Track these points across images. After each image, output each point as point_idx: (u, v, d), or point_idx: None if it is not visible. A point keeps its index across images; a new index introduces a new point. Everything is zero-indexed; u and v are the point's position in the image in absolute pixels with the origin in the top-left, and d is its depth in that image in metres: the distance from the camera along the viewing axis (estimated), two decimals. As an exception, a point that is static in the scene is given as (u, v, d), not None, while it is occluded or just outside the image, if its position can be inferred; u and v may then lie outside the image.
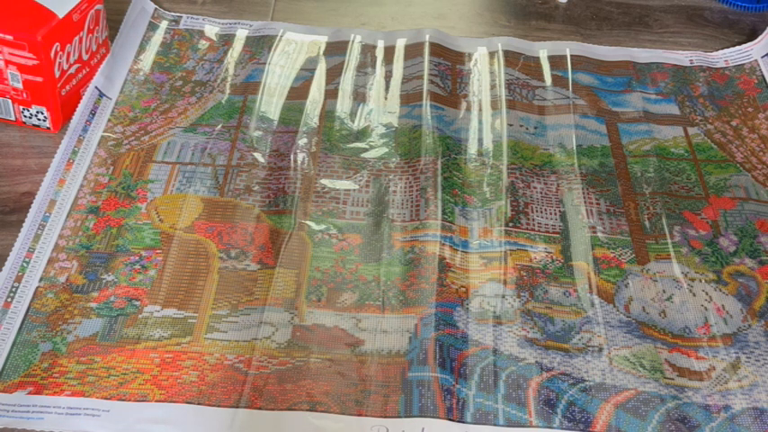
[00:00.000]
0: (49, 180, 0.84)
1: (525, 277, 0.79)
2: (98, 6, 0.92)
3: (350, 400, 0.69)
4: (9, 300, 0.74)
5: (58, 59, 0.87)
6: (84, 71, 0.92)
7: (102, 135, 0.90)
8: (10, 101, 0.89)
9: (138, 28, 1.03)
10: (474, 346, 0.73)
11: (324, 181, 0.87)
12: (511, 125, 0.95)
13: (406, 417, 0.68)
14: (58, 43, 0.86)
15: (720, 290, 0.79)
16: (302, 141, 0.91)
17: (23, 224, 0.80)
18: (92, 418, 0.66)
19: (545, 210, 0.86)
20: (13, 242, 0.78)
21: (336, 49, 1.04)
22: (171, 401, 0.68)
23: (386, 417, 0.68)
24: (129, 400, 0.68)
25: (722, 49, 1.08)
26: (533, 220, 0.85)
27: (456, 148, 0.91)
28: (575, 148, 0.93)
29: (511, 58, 1.04)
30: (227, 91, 0.97)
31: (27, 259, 0.77)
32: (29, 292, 0.75)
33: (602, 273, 0.80)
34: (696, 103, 1.00)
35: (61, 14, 0.86)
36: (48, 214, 0.81)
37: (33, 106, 0.89)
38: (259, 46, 1.03)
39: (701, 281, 0.80)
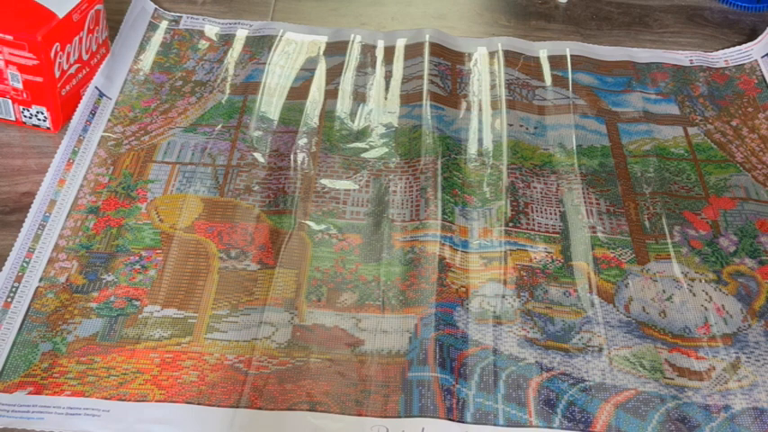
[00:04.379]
0: (49, 180, 0.84)
1: (525, 277, 0.79)
2: (98, 6, 0.92)
3: (350, 400, 0.69)
4: (9, 300, 0.74)
5: (58, 59, 0.87)
6: (84, 71, 0.92)
7: (102, 135, 0.90)
8: (10, 101, 0.89)
9: (138, 28, 1.03)
10: (474, 346, 0.73)
11: (324, 181, 0.87)
12: (511, 125, 0.95)
13: (406, 417, 0.68)
14: (58, 43, 0.86)
15: (720, 290, 0.79)
16: (302, 141, 0.91)
17: (23, 224, 0.80)
18: (92, 418, 0.66)
19: (545, 210, 0.86)
20: (13, 242, 0.78)
21: (336, 49, 1.04)
22: (171, 401, 0.68)
23: (386, 417, 0.68)
24: (129, 400, 0.68)
25: (722, 49, 1.08)
26: (533, 220, 0.85)
27: (456, 148, 0.91)
28: (575, 148, 0.93)
29: (511, 58, 1.04)
30: (227, 91, 0.97)
31: (27, 259, 0.77)
32: (29, 292, 0.75)
33: (602, 273, 0.80)
34: (696, 103, 1.00)
35: (61, 14, 0.86)
36: (48, 214, 0.81)
37: (33, 106, 0.89)
38: (259, 46, 1.03)
39: (701, 281, 0.80)
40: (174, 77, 0.98)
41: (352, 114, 0.95)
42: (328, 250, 0.81)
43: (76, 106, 0.91)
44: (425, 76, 0.99)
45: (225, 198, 0.85)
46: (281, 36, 1.05)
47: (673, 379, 0.72)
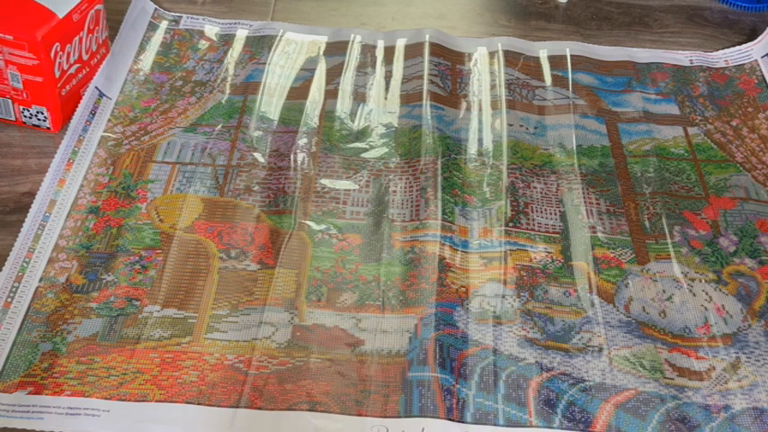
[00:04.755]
0: (49, 180, 0.84)
1: (525, 277, 0.79)
2: (98, 6, 0.92)
3: (350, 400, 0.69)
4: (9, 300, 0.74)
5: (58, 59, 0.87)
6: (84, 71, 0.92)
7: (102, 135, 0.90)
8: (10, 101, 0.89)
9: (138, 28, 1.03)
10: (474, 346, 0.73)
11: (324, 181, 0.87)
12: (511, 125, 0.95)
13: (406, 417, 0.68)
14: (58, 43, 0.86)
15: (720, 290, 0.79)
16: (302, 141, 0.91)
17: (23, 224, 0.80)
18: (92, 418, 0.66)
19: (545, 210, 0.86)
20: (13, 242, 0.78)
21: (336, 49, 1.04)
22: (171, 401, 0.68)
23: (386, 417, 0.68)
24: (129, 400, 0.68)
25: (722, 49, 1.08)
26: (533, 220, 0.85)
27: (456, 148, 0.91)
28: (575, 148, 0.93)
29: (511, 58, 1.04)
30: (227, 91, 0.97)
31: (27, 259, 0.77)
32: (29, 292, 0.75)
33: (602, 273, 0.80)
34: (696, 103, 1.00)
35: (61, 14, 0.86)
36: (48, 214, 0.81)
37: (33, 106, 0.89)
38: (259, 46, 1.03)
39: (701, 281, 0.80)
40: (174, 77, 0.98)
41: (352, 114, 0.95)
42: (328, 250, 0.81)
43: (76, 106, 0.91)
44: (425, 76, 0.99)
45: (225, 198, 0.85)
46: (281, 36, 1.05)
47: (673, 379, 0.72)
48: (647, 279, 0.80)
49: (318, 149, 0.91)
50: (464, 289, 0.78)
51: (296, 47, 1.04)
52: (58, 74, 0.88)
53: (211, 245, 0.80)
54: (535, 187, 0.88)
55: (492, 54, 1.04)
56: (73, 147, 0.88)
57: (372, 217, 0.84)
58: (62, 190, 0.83)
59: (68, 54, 0.89)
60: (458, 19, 1.12)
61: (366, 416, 0.68)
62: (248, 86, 0.97)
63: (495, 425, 0.68)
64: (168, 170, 0.87)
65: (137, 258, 0.78)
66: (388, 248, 0.81)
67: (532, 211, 0.86)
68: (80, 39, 0.90)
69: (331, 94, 0.98)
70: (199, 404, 0.68)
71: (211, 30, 1.05)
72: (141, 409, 0.67)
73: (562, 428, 0.68)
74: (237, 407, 0.68)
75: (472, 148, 0.92)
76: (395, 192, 0.86)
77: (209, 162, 0.88)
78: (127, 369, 0.70)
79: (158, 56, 1.01)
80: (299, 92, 0.97)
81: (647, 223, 0.85)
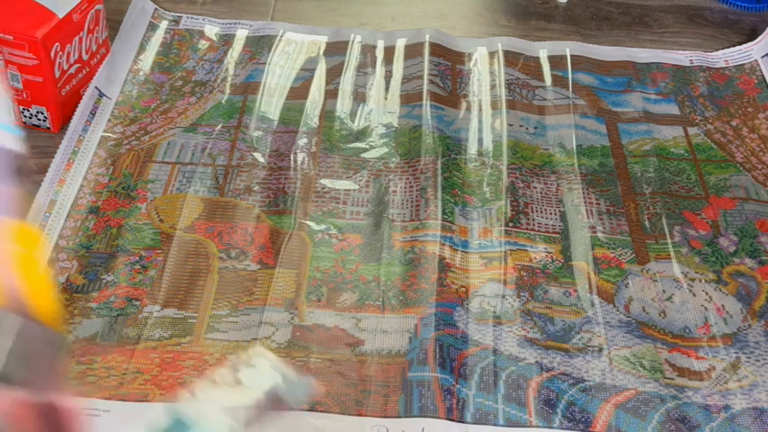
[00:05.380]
0: (49, 180, 0.84)
1: (525, 277, 0.79)
2: (98, 6, 0.92)
3: (350, 400, 0.69)
4: (9, 300, 0.74)
5: (58, 59, 0.87)
6: (84, 71, 0.92)
7: (102, 135, 0.90)
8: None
9: (138, 28, 1.03)
10: (474, 346, 0.73)
11: (324, 181, 0.87)
12: (511, 125, 0.95)
13: (406, 417, 0.68)
14: (58, 43, 0.86)
15: (720, 290, 0.79)
16: (302, 141, 0.91)
17: (23, 224, 0.79)
18: (92, 418, 0.66)
19: (545, 210, 0.86)
20: (13, 242, 0.78)
21: (336, 49, 1.04)
22: (171, 401, 0.68)
23: (386, 417, 0.68)
24: (129, 400, 0.68)
25: (722, 49, 1.08)
26: (533, 220, 0.85)
27: (456, 148, 0.91)
28: (575, 148, 0.93)
29: (511, 58, 1.04)
30: (227, 91, 0.97)
31: (27, 259, 0.77)
32: (29, 292, 0.75)
33: (602, 273, 0.80)
34: (696, 103, 1.00)
35: (61, 14, 0.86)
36: (48, 214, 0.81)
37: (33, 106, 0.89)
38: (259, 46, 1.03)
39: (701, 281, 0.80)
40: (174, 77, 0.98)
41: (352, 114, 0.95)
42: (328, 250, 0.81)
43: (76, 106, 0.91)
44: (425, 76, 0.99)
45: (225, 198, 0.85)
46: (281, 36, 1.05)
47: (673, 379, 0.72)
48: (647, 279, 0.80)
49: (318, 149, 0.91)
50: (464, 289, 0.78)
51: (296, 47, 1.04)
52: (57, 74, 0.88)
53: (211, 245, 0.80)
54: (535, 187, 0.88)
55: (492, 54, 1.04)
56: (73, 147, 0.88)
57: (372, 217, 0.84)
58: (62, 190, 0.83)
59: (68, 54, 0.89)
60: (458, 19, 1.12)
61: (366, 416, 0.68)
62: (248, 86, 0.97)
63: (495, 425, 0.68)
64: (168, 170, 0.87)
65: (137, 258, 0.78)
66: (388, 248, 0.81)
67: (532, 211, 0.86)
68: (80, 39, 0.90)
69: (331, 94, 0.98)
70: (199, 404, 0.68)
71: (211, 30, 1.05)
72: (141, 409, 0.67)
73: (562, 428, 0.68)
74: (237, 407, 0.68)
75: (472, 148, 0.92)
76: (395, 192, 0.86)
77: (210, 162, 0.88)
78: (127, 369, 0.70)
79: (158, 56, 1.01)
80: (299, 92, 0.97)
81: (647, 223, 0.85)
